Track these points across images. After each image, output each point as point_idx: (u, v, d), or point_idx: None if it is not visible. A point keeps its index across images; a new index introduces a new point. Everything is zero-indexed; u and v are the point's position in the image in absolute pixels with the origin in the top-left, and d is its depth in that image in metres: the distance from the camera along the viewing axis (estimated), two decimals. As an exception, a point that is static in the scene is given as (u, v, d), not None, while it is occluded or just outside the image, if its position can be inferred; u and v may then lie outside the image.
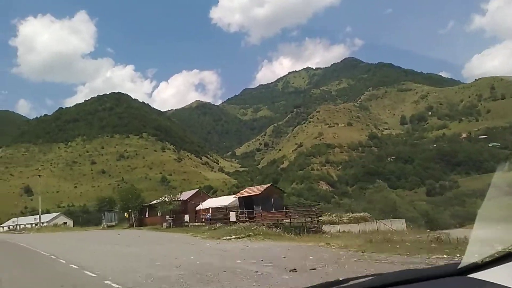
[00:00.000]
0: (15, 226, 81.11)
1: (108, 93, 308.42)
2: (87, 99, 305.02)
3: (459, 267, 1.98)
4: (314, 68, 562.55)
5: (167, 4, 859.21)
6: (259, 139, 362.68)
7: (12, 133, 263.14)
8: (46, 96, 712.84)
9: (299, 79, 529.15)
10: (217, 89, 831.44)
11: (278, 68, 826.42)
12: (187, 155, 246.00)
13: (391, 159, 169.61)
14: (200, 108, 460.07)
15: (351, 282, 1.93)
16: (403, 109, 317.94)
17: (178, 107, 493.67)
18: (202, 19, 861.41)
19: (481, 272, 1.90)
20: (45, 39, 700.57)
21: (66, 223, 77.13)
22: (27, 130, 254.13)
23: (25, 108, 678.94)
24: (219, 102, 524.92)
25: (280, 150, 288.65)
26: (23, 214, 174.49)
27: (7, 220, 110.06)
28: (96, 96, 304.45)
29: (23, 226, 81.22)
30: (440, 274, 1.99)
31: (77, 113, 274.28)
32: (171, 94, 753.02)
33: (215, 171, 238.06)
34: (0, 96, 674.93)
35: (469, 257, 1.98)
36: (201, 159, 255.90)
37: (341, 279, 2.09)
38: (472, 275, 1.90)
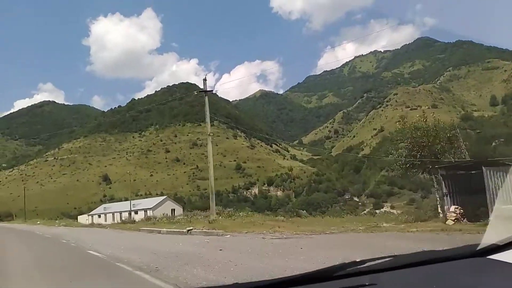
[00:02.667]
0: (104, 216, 73.00)
1: (177, 83, 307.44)
2: (157, 90, 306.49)
3: (478, 248, 1.93)
4: (382, 51, 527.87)
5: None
6: (327, 127, 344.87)
7: (87, 127, 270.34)
8: (117, 92, 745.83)
9: (367, 63, 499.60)
10: (280, 78, 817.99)
11: (341, 53, 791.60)
12: (258, 143, 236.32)
13: (499, 141, 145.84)
14: (264, 97, 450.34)
15: (367, 263, 1.89)
16: (491, 89, 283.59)
17: (241, 98, 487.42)
18: (262, 8, 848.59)
19: (500, 253, 1.86)
20: (115, 37, 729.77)
21: (174, 210, 63.81)
22: (103, 121, 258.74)
23: (99, 104, 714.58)
24: (282, 91, 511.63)
25: (354, 136, 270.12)
26: (102, 202, 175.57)
27: (95, 207, 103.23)
28: (166, 86, 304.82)
29: (117, 215, 71.05)
30: (459, 255, 1.94)
31: (149, 103, 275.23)
32: (233, 85, 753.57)
33: (287, 159, 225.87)
34: (77, 94, 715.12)
35: (489, 238, 1.94)
36: (271, 146, 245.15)
37: (357, 260, 2.04)
38: (491, 256, 1.86)
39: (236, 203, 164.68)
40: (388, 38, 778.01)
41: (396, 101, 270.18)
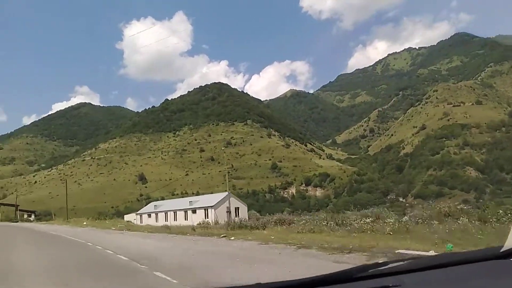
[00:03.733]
0: (155, 215, 63.03)
1: (209, 83, 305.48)
2: (190, 90, 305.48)
3: (501, 250, 1.90)
4: (417, 48, 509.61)
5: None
6: (362, 125, 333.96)
7: (122, 127, 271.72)
8: (149, 94, 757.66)
9: (400, 61, 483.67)
10: (310, 77, 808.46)
11: (373, 52, 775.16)
12: (292, 142, 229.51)
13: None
14: (295, 97, 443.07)
15: (389, 265, 1.88)
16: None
17: (271, 98, 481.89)
18: (292, 8, 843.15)
19: None
20: (147, 40, 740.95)
21: (238, 209, 55.36)
22: (138, 121, 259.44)
23: (132, 106, 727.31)
24: (313, 90, 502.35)
25: (392, 135, 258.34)
26: (138, 201, 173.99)
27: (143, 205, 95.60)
28: (198, 87, 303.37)
29: (170, 215, 61.04)
30: (481, 257, 1.90)
31: (182, 103, 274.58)
32: (263, 86, 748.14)
33: (323, 159, 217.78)
34: (112, 96, 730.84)
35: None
36: (305, 146, 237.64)
37: (380, 261, 2.01)
38: None
39: (273, 203, 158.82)
40: (422, 35, 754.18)
41: (436, 98, 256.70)
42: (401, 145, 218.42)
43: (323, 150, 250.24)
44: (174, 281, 7.05)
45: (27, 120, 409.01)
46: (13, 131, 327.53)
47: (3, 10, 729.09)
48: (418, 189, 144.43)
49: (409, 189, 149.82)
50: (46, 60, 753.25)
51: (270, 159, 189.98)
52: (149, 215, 64.79)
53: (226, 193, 58.33)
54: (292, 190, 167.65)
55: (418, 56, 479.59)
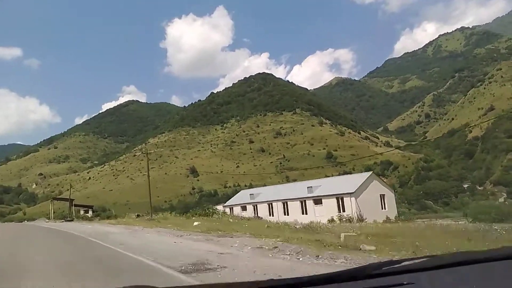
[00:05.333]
0: (254, 208, 48.91)
1: (253, 74, 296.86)
2: (234, 82, 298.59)
3: None
4: (470, 27, 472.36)
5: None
6: (416, 111, 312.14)
7: (170, 121, 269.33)
8: (193, 91, 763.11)
9: (453, 42, 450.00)
10: (354, 65, 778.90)
11: (421, 35, 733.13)
12: (345, 130, 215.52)
13: None
14: (341, 84, 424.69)
15: (405, 263, 1.85)
16: None
17: (315, 87, 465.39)
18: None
19: None
20: (189, 38, 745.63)
21: (383, 197, 40.85)
22: (186, 115, 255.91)
23: (178, 103, 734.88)
24: (359, 77, 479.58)
25: (453, 119, 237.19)
26: (191, 195, 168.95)
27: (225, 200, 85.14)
28: (243, 78, 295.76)
29: (278, 206, 46.76)
30: (498, 257, 1.86)
31: (228, 96, 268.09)
32: (305, 76, 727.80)
33: (380, 146, 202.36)
34: (157, 94, 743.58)
35: None
36: (359, 134, 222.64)
37: (395, 259, 1.99)
38: None
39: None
40: (475, 13, 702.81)
41: (501, 76, 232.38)
42: (466, 129, 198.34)
43: (378, 138, 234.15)
44: None
45: (79, 120, 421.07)
46: (66, 130, 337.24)
47: (55, 19, 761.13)
48: (499, 175, 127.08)
49: (487, 176, 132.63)
50: (94, 64, 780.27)
51: (324, 148, 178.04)
52: (244, 207, 49.83)
53: (367, 174, 43.18)
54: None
55: (473, 36, 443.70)
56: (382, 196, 41.39)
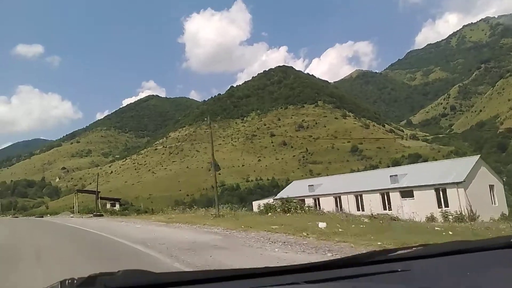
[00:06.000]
0: (316, 201, 40.75)
1: (273, 67, 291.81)
2: (254, 76, 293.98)
3: None
4: (496, 17, 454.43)
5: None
6: (441, 103, 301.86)
7: (191, 115, 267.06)
8: (211, 86, 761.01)
9: (478, 32, 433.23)
10: (374, 58, 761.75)
11: (443, 26, 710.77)
12: (369, 123, 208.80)
13: None
14: (361, 77, 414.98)
15: (399, 252, 1.86)
16: None
17: (335, 80, 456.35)
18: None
19: None
20: (208, 32, 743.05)
21: (493, 188, 34.35)
22: (206, 109, 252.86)
23: (197, 98, 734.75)
24: (380, 70, 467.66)
25: (481, 110, 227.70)
26: (213, 188, 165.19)
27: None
28: (262, 72, 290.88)
29: (349, 200, 39.26)
30: (492, 246, 1.88)
31: (248, 89, 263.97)
32: (323, 70, 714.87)
33: (406, 139, 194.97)
34: (176, 90, 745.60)
35: None
36: (383, 126, 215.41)
37: (389, 248, 2.00)
38: None
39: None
40: (499, 3, 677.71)
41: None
42: (496, 121, 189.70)
43: (402, 131, 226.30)
44: None
45: (100, 116, 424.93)
46: (88, 125, 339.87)
47: (76, 16, 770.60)
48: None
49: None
50: (114, 60, 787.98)
51: (348, 141, 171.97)
52: (302, 201, 37.81)
53: (474, 158, 34.75)
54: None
55: (498, 26, 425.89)
56: (491, 187, 33.95)
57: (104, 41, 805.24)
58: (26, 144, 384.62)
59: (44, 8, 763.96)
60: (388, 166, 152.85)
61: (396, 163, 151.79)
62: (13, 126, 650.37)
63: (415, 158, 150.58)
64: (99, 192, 54.83)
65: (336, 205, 38.24)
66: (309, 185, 45.94)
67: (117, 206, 50.89)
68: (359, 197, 38.25)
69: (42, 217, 47.41)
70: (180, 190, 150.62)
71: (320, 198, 41.34)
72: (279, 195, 46.25)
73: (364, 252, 1.87)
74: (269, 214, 19.27)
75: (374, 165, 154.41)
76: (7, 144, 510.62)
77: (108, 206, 51.48)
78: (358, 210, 35.48)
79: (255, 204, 47.08)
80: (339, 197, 40.00)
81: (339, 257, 2.16)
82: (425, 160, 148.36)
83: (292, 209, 19.72)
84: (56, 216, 51.60)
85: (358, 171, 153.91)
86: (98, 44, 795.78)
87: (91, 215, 38.02)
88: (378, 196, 35.96)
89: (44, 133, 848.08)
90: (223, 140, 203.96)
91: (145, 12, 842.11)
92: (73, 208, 58.41)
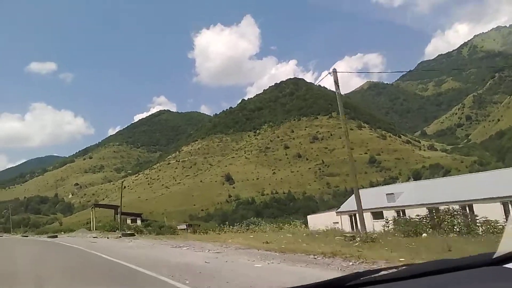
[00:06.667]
0: (399, 214, 32.57)
1: (284, 80, 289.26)
2: (265, 89, 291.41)
3: (494, 256, 1.84)
4: (507, 26, 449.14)
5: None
6: (455, 113, 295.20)
7: (203, 129, 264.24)
8: (221, 99, 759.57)
9: (489, 41, 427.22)
10: (385, 68, 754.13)
11: (453, 36, 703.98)
12: (384, 133, 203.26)
13: None
14: (373, 88, 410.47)
15: (381, 273, 1.83)
16: None
17: (346, 92, 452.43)
18: (361, 0, 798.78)
19: None
20: (217, 47, 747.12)
21: None
22: (218, 122, 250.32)
23: (207, 111, 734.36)
24: (391, 81, 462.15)
25: (499, 120, 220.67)
26: (227, 203, 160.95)
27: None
28: (274, 84, 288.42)
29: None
30: (474, 264, 1.84)
31: (259, 102, 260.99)
32: (332, 82, 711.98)
33: (424, 150, 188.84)
34: (187, 105, 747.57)
35: (504, 247, 1.89)
36: (399, 137, 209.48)
37: (372, 269, 2.00)
38: (507, 265, 1.79)
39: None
40: (509, 12, 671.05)
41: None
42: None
43: (419, 141, 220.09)
44: None
45: (112, 131, 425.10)
46: (100, 141, 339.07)
47: (88, 33, 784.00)
48: None
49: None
50: (125, 76, 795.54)
51: (365, 152, 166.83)
52: (377, 214, 32.71)
53: None
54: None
55: (510, 35, 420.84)
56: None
57: (115, 58, 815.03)
58: (40, 161, 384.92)
59: (57, 26, 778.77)
60: (409, 178, 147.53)
61: (417, 174, 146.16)
62: (27, 142, 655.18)
63: (437, 169, 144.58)
64: (118, 206, 50.40)
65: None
66: (387, 194, 36.39)
67: (139, 222, 45.55)
68: (468, 207, 28.37)
69: (56, 236, 38.77)
70: (195, 205, 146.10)
71: (405, 210, 32.71)
72: (344, 207, 39.52)
73: (348, 274, 1.84)
74: (424, 235, 13.45)
75: (393, 177, 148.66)
76: (21, 160, 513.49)
77: (129, 221, 46.24)
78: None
79: (312, 218, 40.74)
80: (436, 209, 30.40)
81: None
82: (448, 171, 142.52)
83: (456, 228, 14.04)
84: (72, 234, 43.18)
85: (378, 183, 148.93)
86: (110, 60, 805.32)
87: (119, 234, 30.20)
88: (498, 207, 27.43)
89: (57, 150, 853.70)
90: (236, 153, 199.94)
91: (156, 29, 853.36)
92: (89, 224, 54.28)
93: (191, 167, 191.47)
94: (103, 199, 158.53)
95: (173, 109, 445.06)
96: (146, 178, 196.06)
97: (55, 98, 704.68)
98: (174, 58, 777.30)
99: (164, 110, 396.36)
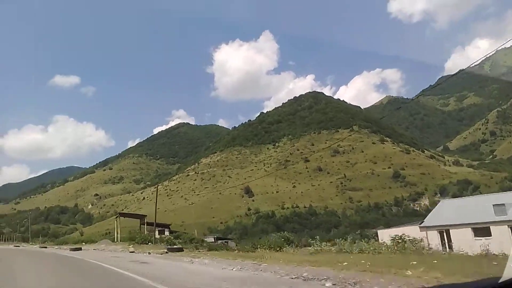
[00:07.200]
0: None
1: (304, 93, 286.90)
2: (284, 102, 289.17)
3: (500, 281, 1.83)
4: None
5: (343, 8, 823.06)
6: (479, 128, 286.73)
7: (221, 141, 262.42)
8: (239, 113, 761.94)
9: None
10: (403, 84, 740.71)
11: (473, 51, 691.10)
12: (406, 148, 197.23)
13: None
14: (392, 103, 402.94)
15: None
16: None
17: (365, 107, 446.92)
18: (379, 16, 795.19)
19: None
20: (236, 62, 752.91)
21: None
22: (237, 135, 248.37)
23: (224, 125, 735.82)
24: (410, 96, 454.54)
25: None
26: (247, 216, 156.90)
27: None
28: (293, 98, 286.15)
29: None
30: None
31: (278, 115, 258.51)
32: (351, 96, 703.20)
33: (449, 165, 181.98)
34: (205, 118, 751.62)
35: (510, 272, 1.87)
36: (423, 152, 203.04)
37: None
38: None
39: (402, 217, 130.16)
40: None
41: None
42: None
43: (443, 157, 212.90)
44: None
45: (132, 143, 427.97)
46: (120, 152, 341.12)
47: (109, 48, 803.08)
48: None
49: None
50: (146, 90, 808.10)
51: (389, 167, 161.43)
52: (481, 230, 27.78)
53: None
54: (425, 201, 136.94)
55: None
56: None
57: (136, 72, 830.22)
58: (61, 171, 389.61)
59: (81, 40, 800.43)
60: (436, 193, 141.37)
61: (444, 189, 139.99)
62: (49, 153, 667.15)
63: (465, 185, 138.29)
64: (145, 216, 47.57)
65: None
66: (495, 205, 29.20)
67: (166, 233, 42.30)
68: None
69: (80, 248, 32.13)
70: (214, 217, 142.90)
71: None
72: (430, 220, 33.07)
73: None
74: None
75: (419, 192, 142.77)
76: (43, 171, 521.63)
77: (157, 234, 42.96)
78: None
79: (384, 234, 34.96)
80: None
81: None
82: (477, 187, 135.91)
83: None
84: (94, 246, 38.42)
85: (403, 198, 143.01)
86: (131, 75, 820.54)
87: (161, 249, 24.90)
88: None
89: (78, 161, 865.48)
90: (255, 166, 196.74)
91: (176, 44, 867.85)
92: (110, 234, 51.53)
93: (210, 179, 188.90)
94: (122, 210, 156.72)
95: (192, 122, 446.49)
96: (165, 190, 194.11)
97: (77, 110, 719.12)
98: (193, 72, 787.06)
99: (183, 123, 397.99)
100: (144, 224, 46.84)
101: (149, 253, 23.30)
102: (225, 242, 49.68)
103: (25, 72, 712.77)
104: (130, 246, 29.38)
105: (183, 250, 23.50)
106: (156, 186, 43.27)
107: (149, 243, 30.93)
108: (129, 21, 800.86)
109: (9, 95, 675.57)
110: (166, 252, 22.64)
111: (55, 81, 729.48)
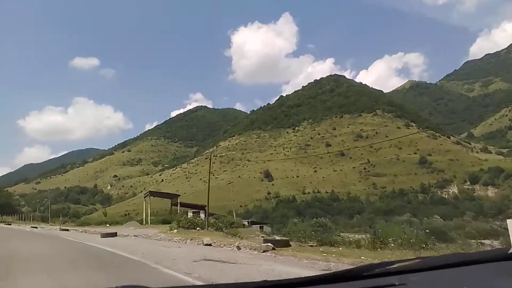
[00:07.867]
0: None
1: (325, 76, 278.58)
2: (304, 85, 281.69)
3: (510, 251, 1.83)
4: None
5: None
6: (506, 115, 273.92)
7: (240, 125, 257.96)
8: (256, 97, 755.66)
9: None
10: (426, 68, 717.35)
11: (500, 35, 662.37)
12: (433, 133, 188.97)
13: None
14: (415, 88, 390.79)
15: (396, 264, 1.82)
16: None
17: (387, 91, 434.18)
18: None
19: None
20: (254, 45, 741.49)
21: None
22: (255, 118, 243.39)
23: (242, 109, 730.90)
24: (434, 81, 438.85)
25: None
26: (267, 200, 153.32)
27: None
28: (313, 81, 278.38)
29: None
30: (489, 259, 1.83)
31: (298, 98, 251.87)
32: (371, 81, 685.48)
33: (477, 152, 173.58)
34: (222, 101, 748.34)
35: None
36: (449, 138, 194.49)
37: (387, 260, 2.02)
38: None
39: (429, 205, 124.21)
40: None
41: None
42: None
43: (469, 143, 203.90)
44: None
45: (150, 126, 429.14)
46: (138, 135, 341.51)
47: (129, 30, 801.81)
48: None
49: None
50: (164, 73, 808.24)
51: (415, 153, 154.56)
52: None
53: None
54: (453, 189, 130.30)
55: None
56: None
57: (154, 55, 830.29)
58: (80, 153, 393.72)
59: (101, 23, 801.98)
60: (465, 181, 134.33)
61: (475, 177, 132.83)
62: (69, 135, 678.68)
63: (496, 173, 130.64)
64: (179, 196, 43.45)
65: None
66: None
67: (202, 216, 37.64)
68: None
69: (116, 234, 23.41)
70: (233, 200, 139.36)
71: None
72: None
73: (363, 264, 1.77)
74: None
75: (447, 179, 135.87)
76: (63, 152, 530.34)
77: (190, 214, 38.42)
78: None
79: None
80: None
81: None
82: (510, 175, 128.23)
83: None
84: (121, 228, 31.26)
85: (430, 185, 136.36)
86: (149, 57, 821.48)
87: (256, 242, 16.75)
88: None
89: (97, 143, 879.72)
90: (275, 150, 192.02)
91: (194, 27, 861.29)
92: (130, 215, 47.76)
93: (228, 162, 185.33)
94: (141, 191, 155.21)
95: (209, 105, 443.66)
96: (184, 172, 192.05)
97: (97, 92, 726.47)
98: (211, 55, 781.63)
99: (201, 106, 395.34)
100: (177, 205, 42.71)
101: (238, 247, 14.76)
102: (261, 226, 45.47)
103: (46, 54, 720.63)
104: (175, 231, 23.70)
105: (290, 245, 15.03)
106: (209, 156, 38.04)
107: (197, 228, 25.13)
108: (147, 4, 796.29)
109: (30, 77, 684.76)
110: (274, 248, 13.65)
111: (74, 63, 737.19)
